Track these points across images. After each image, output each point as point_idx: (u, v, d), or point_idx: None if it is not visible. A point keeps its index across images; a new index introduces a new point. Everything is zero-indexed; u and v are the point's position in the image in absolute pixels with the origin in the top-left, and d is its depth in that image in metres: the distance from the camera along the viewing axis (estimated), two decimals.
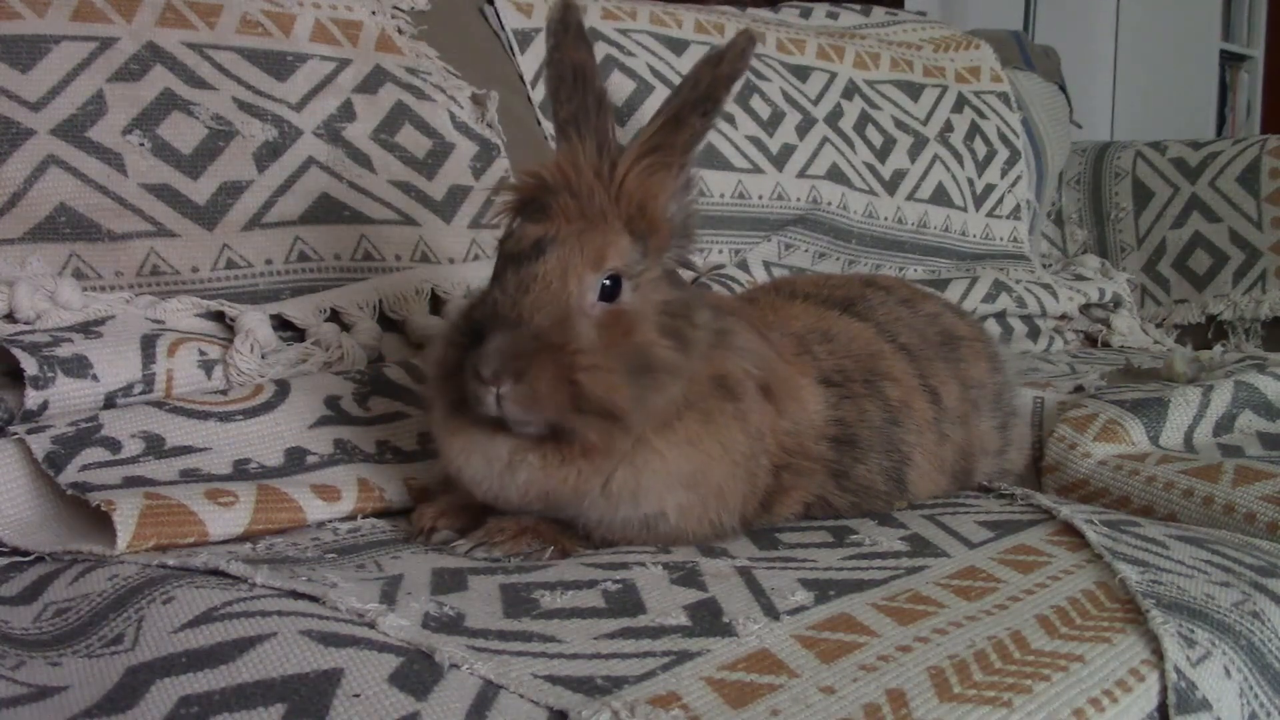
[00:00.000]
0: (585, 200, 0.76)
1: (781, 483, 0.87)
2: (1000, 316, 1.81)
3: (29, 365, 0.83)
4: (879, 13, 2.17)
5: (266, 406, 0.89)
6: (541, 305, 0.74)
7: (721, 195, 1.61)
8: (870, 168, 1.83)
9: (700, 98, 0.77)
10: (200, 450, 0.84)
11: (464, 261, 1.23)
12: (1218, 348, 1.73)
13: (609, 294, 0.76)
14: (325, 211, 1.15)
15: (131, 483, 0.78)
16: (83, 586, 0.66)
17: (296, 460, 0.87)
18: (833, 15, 2.09)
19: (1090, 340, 2.01)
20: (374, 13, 1.32)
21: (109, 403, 0.87)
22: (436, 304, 1.15)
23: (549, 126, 1.52)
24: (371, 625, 0.59)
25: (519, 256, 0.75)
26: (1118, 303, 2.02)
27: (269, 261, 1.10)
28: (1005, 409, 1.06)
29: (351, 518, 0.84)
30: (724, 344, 0.82)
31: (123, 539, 0.71)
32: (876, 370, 0.94)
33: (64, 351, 0.86)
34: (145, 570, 0.66)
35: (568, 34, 0.82)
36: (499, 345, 0.73)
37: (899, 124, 1.91)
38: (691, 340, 0.78)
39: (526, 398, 0.73)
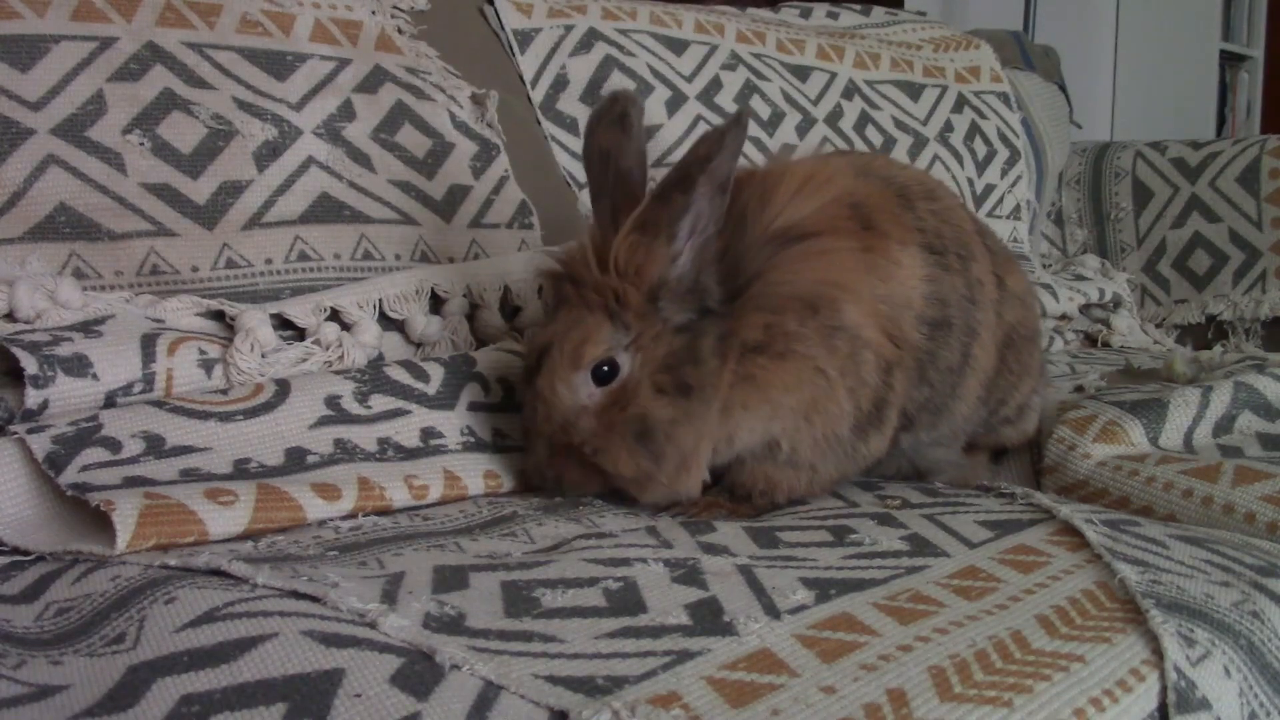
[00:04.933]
0: (584, 285, 0.87)
1: (892, 385, 0.91)
2: None
3: (29, 364, 0.83)
4: (879, 13, 2.17)
5: (267, 406, 0.89)
6: (547, 416, 0.88)
7: None
8: None
9: (679, 178, 0.84)
10: (200, 450, 0.84)
11: (464, 260, 1.23)
12: (1218, 348, 1.73)
13: (607, 377, 0.87)
14: (325, 211, 1.15)
15: (132, 483, 0.78)
16: (85, 586, 0.66)
17: (297, 460, 0.87)
18: (833, 15, 2.09)
19: (1090, 340, 2.01)
20: (374, 12, 1.32)
21: (109, 402, 0.87)
22: (437, 304, 1.15)
23: (549, 126, 1.52)
24: (373, 626, 0.59)
25: (529, 370, 0.90)
26: (1118, 303, 2.02)
27: (269, 261, 1.10)
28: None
29: (352, 515, 0.84)
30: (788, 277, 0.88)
31: (122, 539, 0.71)
32: (967, 245, 0.98)
33: (64, 350, 0.86)
34: (148, 571, 0.66)
35: (601, 122, 0.91)
36: (534, 461, 0.91)
37: (899, 124, 1.92)
38: (695, 381, 0.85)
39: (576, 487, 0.90)
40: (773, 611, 0.65)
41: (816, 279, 0.87)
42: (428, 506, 0.89)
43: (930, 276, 0.93)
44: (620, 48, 1.61)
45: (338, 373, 0.97)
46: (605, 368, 0.86)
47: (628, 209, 0.87)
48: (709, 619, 0.64)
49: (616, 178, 0.90)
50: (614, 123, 0.91)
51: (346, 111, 1.20)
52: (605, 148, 0.90)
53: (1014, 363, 1.02)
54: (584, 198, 1.50)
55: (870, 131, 1.86)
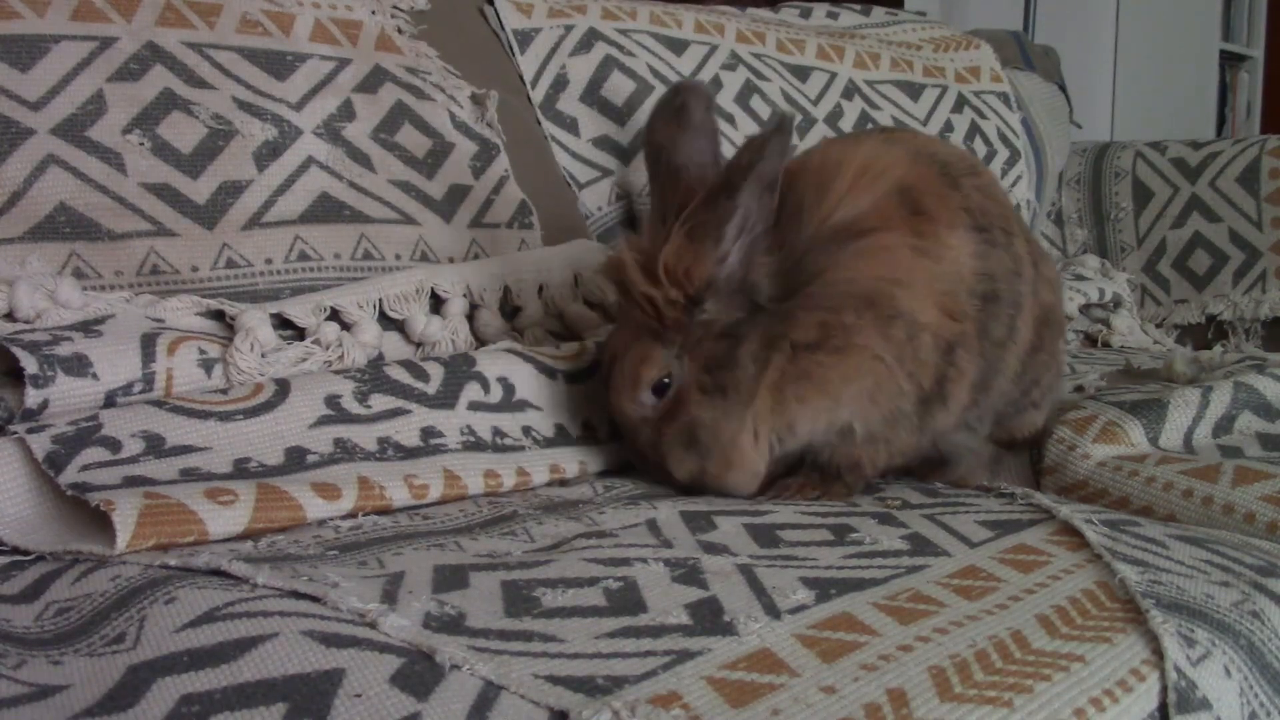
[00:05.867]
0: (631, 297, 0.90)
1: (954, 363, 0.92)
2: None
3: (29, 364, 0.83)
4: (879, 13, 2.17)
5: (266, 406, 0.89)
6: (625, 430, 0.95)
7: None
8: None
9: (724, 184, 0.84)
10: (200, 450, 0.84)
11: (464, 260, 1.23)
12: (1218, 348, 1.73)
13: (664, 388, 0.91)
14: (325, 211, 1.15)
15: (131, 482, 0.78)
16: (85, 586, 0.66)
17: (296, 459, 0.87)
18: (833, 15, 2.09)
19: (1090, 340, 2.01)
20: (374, 12, 1.32)
21: (109, 401, 0.87)
22: (437, 303, 1.15)
23: (549, 126, 1.52)
24: (373, 626, 0.59)
25: (605, 379, 0.95)
26: (1117, 303, 2.02)
27: (269, 261, 1.10)
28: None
29: (352, 515, 0.84)
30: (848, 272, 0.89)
31: (122, 539, 0.71)
32: (1009, 220, 0.98)
33: (64, 350, 0.86)
34: (148, 571, 0.66)
35: (659, 116, 0.92)
36: (628, 456, 0.98)
37: (899, 124, 1.91)
38: (730, 384, 0.89)
39: (663, 481, 0.95)
40: (773, 611, 0.65)
41: (874, 276, 0.89)
42: (428, 506, 0.89)
43: (978, 253, 0.94)
44: (620, 48, 1.61)
45: (338, 372, 0.97)
46: (665, 380, 0.90)
47: (677, 206, 0.87)
48: (709, 619, 0.64)
49: (668, 174, 0.90)
50: (671, 116, 0.90)
51: (346, 111, 1.20)
52: (659, 143, 0.90)
53: (1048, 342, 1.04)
54: (584, 197, 1.50)
55: None
